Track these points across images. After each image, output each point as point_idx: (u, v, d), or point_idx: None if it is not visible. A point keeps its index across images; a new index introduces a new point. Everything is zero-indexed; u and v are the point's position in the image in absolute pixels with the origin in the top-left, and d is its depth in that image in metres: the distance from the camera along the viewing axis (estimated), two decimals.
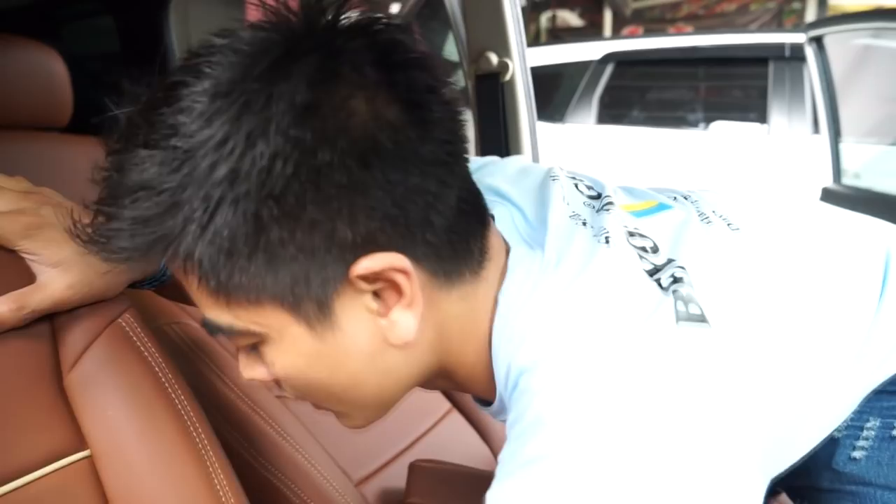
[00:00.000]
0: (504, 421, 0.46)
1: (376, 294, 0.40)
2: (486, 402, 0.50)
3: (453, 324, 0.43)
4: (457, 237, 0.41)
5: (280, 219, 0.36)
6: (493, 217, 0.47)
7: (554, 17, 7.89)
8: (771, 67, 2.62)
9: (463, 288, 0.43)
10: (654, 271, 0.43)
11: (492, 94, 1.12)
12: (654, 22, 7.25)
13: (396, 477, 0.86)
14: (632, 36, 3.71)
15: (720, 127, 2.89)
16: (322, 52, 0.37)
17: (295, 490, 0.73)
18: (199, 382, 0.75)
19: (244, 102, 0.35)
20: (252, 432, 0.75)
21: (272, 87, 0.35)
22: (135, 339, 0.54)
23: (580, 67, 3.25)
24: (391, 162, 0.37)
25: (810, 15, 5.70)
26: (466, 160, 0.43)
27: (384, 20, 0.39)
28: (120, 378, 0.52)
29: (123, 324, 0.54)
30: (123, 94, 0.40)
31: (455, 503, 0.80)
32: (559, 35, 7.69)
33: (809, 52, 1.80)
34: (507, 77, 1.11)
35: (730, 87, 3.04)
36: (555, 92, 3.28)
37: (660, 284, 0.42)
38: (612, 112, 3.09)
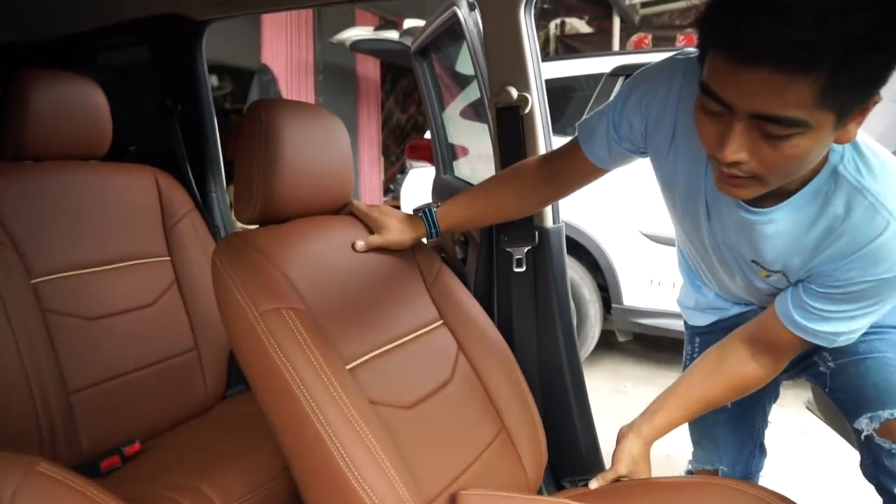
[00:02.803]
0: (764, 223, 0.83)
1: None
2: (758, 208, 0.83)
3: None
4: None
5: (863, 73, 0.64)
6: None
7: (563, 24, 7.94)
8: None
9: None
10: None
11: (512, 125, 1.18)
12: (662, 28, 7.28)
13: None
14: (641, 50, 3.71)
15: None
16: None
17: (356, 475, 0.77)
18: (295, 354, 0.80)
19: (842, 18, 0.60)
20: (336, 421, 0.79)
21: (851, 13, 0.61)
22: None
23: (591, 79, 3.29)
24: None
25: None
26: None
27: None
28: None
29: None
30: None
31: None
32: (568, 42, 7.74)
33: None
34: (527, 110, 1.17)
35: None
36: (566, 105, 3.33)
37: None
38: None
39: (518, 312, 1.25)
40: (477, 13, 1.31)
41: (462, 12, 1.34)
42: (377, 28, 3.99)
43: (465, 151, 2.40)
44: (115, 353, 1.32)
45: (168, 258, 1.49)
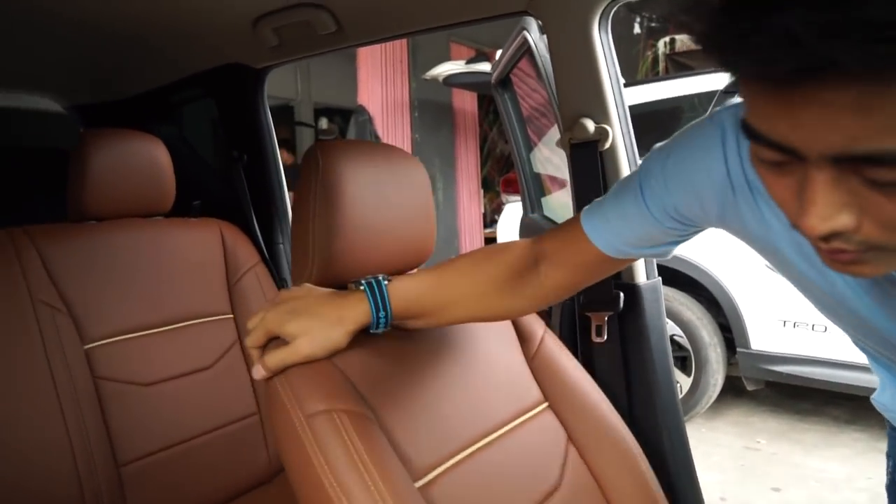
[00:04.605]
0: None
1: None
2: None
3: None
4: None
5: None
6: None
7: (672, 42, 7.50)
8: None
9: None
10: None
11: (590, 164, 0.98)
12: None
13: None
14: None
15: None
16: None
17: None
18: (345, 470, 0.64)
19: None
20: None
21: None
22: None
23: (704, 98, 2.99)
24: None
25: None
26: None
27: None
28: None
29: None
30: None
31: None
32: (678, 59, 7.28)
33: None
34: (607, 145, 0.97)
35: None
36: (675, 126, 3.03)
37: None
38: None
39: (603, 390, 1.03)
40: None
41: (532, 36, 1.17)
42: (469, 61, 3.91)
43: (564, 184, 2.21)
44: (170, 421, 1.26)
45: (231, 315, 1.42)
